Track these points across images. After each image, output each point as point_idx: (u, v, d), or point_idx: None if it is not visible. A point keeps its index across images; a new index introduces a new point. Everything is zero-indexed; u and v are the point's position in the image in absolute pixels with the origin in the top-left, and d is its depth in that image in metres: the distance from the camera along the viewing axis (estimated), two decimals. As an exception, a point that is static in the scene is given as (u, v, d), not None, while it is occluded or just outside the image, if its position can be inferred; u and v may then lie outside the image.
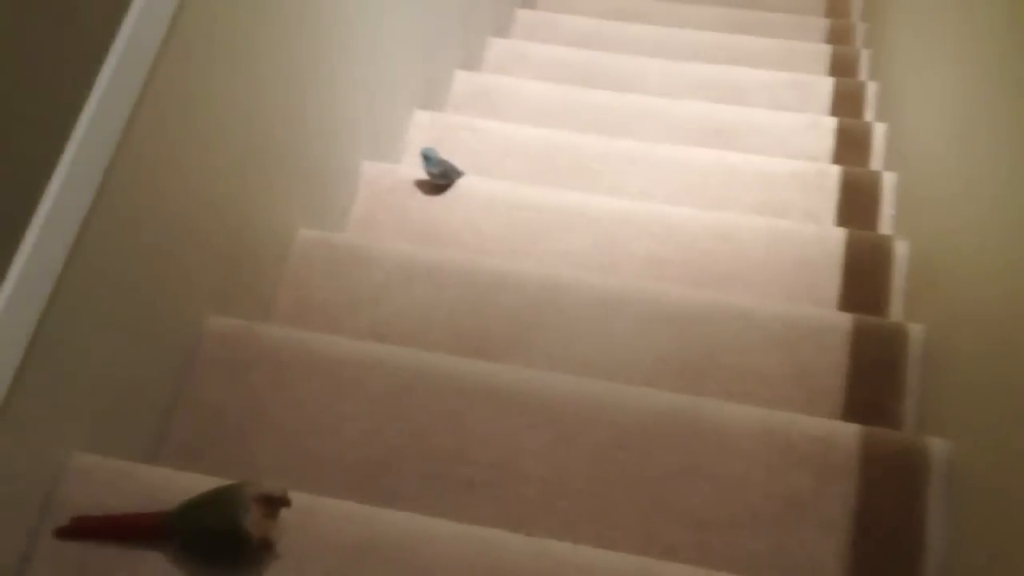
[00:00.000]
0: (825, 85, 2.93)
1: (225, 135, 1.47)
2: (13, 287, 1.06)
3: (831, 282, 1.97)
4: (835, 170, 2.32)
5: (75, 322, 1.19)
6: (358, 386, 1.50)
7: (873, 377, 1.67)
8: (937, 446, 1.42)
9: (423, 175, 2.14)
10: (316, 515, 1.23)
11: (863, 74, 3.15)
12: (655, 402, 1.48)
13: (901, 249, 1.98)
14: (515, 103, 2.73)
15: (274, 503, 1.16)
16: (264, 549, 1.19)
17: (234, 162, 1.52)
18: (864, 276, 1.96)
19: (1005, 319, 1.32)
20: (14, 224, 1.06)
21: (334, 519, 1.23)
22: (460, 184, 2.13)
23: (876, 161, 2.55)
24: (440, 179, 2.09)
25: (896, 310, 1.92)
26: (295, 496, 1.25)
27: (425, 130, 2.45)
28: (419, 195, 2.13)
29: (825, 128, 2.62)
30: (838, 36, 3.55)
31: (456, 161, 2.38)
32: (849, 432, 1.44)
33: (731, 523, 1.38)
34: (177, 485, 1.25)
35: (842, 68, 3.19)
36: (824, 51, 3.25)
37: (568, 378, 1.51)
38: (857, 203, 2.28)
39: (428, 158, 2.07)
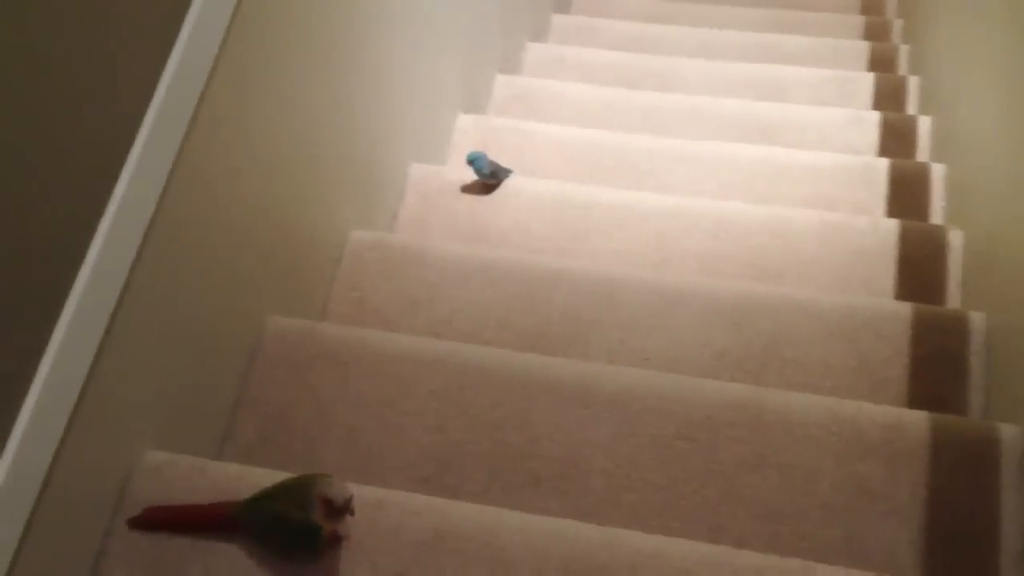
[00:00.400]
0: (866, 81, 2.91)
1: (276, 142, 1.48)
2: (83, 292, 1.07)
3: (886, 273, 1.95)
4: (883, 163, 2.31)
5: (140, 324, 1.20)
6: (420, 383, 1.50)
7: (936, 366, 1.65)
8: (1008, 432, 1.40)
9: (470, 177, 2.14)
10: (386, 509, 1.23)
11: (903, 69, 3.13)
12: (719, 393, 1.47)
13: (955, 239, 1.96)
14: (557, 105, 2.73)
15: (337, 508, 1.16)
16: (334, 542, 1.19)
17: (286, 167, 1.52)
18: (920, 266, 1.94)
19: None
20: (82, 230, 1.07)
21: (404, 512, 1.22)
22: (507, 184, 2.13)
23: (922, 154, 2.53)
24: (490, 179, 2.09)
25: (954, 300, 1.90)
26: (365, 490, 1.25)
27: (469, 133, 2.45)
28: (467, 196, 2.13)
29: (869, 123, 2.60)
30: (875, 33, 3.53)
31: (502, 163, 2.38)
32: (918, 419, 1.43)
33: (800, 513, 1.37)
34: (247, 480, 1.26)
35: (881, 64, 3.17)
36: (863, 48, 3.23)
37: (631, 371, 1.50)
38: (906, 195, 2.26)
39: (476, 160, 2.07)
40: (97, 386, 1.14)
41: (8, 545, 1.04)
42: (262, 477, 1.26)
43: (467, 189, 2.14)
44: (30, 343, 1.03)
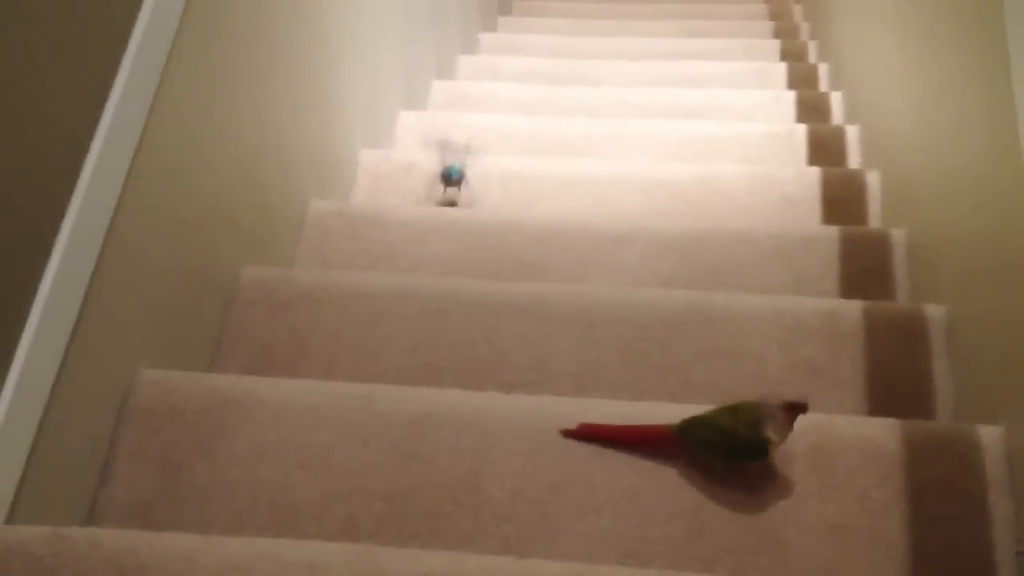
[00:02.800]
0: (780, 69, 3.11)
1: (240, 124, 1.59)
2: (73, 226, 1.16)
3: (813, 215, 2.10)
4: (802, 128, 2.48)
5: (126, 262, 1.29)
6: (392, 313, 1.60)
7: (865, 279, 1.79)
8: (934, 310, 1.54)
9: (418, 159, 2.26)
10: (375, 400, 1.32)
11: (812, 59, 3.34)
12: (670, 299, 1.59)
13: (873, 179, 2.13)
14: (492, 106, 2.87)
15: (795, 409, 1.20)
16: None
17: (248, 145, 1.63)
18: (843, 205, 2.10)
19: (973, 221, 1.45)
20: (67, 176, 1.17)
21: (393, 399, 1.32)
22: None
23: (837, 123, 2.71)
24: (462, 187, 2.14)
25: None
26: (352, 386, 1.34)
27: (411, 128, 2.57)
28: (416, 175, 2.24)
29: (786, 101, 2.79)
30: (783, 33, 3.75)
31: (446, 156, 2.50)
32: (853, 306, 1.56)
33: (752, 393, 1.49)
34: (243, 387, 1.34)
35: (792, 57, 3.38)
36: (774, 45, 3.44)
37: (589, 287, 1.62)
38: (826, 154, 2.43)
39: (451, 175, 2.09)
40: (93, 310, 1.22)
41: (20, 452, 1.11)
42: (256, 384, 1.35)
43: (415, 169, 2.25)
44: (28, 270, 1.12)
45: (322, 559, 1.01)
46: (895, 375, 1.49)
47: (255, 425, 1.30)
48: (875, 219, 2.07)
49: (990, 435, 1.23)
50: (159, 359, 1.39)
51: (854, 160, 2.40)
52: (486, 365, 1.55)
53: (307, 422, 1.30)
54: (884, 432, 1.25)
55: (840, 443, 1.24)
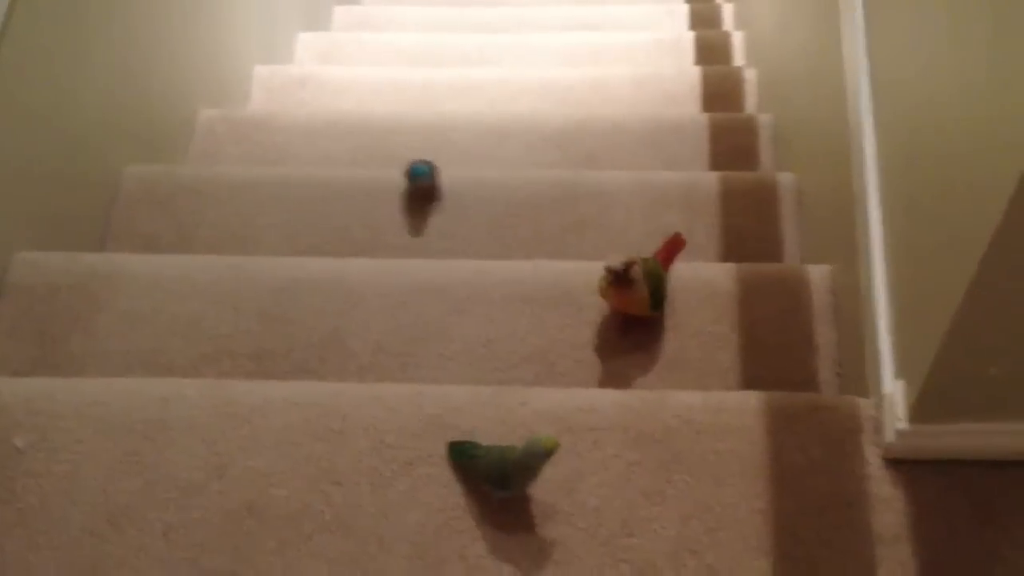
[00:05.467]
0: (679, -13, 3.17)
1: (121, 40, 1.63)
2: None
3: (694, 109, 2.18)
4: (690, 35, 2.55)
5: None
6: (274, 202, 1.65)
7: (733, 159, 1.87)
8: (784, 177, 1.63)
9: (312, 72, 2.30)
10: (244, 269, 1.38)
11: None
12: (541, 178, 1.66)
13: (751, 75, 2.21)
14: (395, 26, 2.90)
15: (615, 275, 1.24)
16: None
17: (134, 60, 1.67)
18: (722, 99, 2.17)
19: (813, 103, 1.53)
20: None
21: (261, 268, 1.38)
22: (348, 74, 2.29)
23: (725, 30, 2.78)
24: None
25: (751, 120, 2.14)
26: (222, 258, 1.40)
27: (311, 48, 2.61)
28: (310, 87, 2.28)
29: (679, 14, 2.85)
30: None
31: (345, 69, 2.54)
32: (710, 177, 1.64)
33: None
34: (114, 264, 1.39)
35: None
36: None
37: (462, 171, 1.68)
38: (712, 58, 2.50)
39: (423, 173, 1.62)
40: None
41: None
42: (129, 260, 1.40)
43: (309, 81, 2.29)
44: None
45: (176, 392, 1.07)
46: (748, 237, 1.57)
47: (128, 298, 1.35)
48: (752, 110, 2.15)
49: (817, 272, 1.32)
50: (44, 247, 1.43)
51: (740, 62, 2.47)
52: (364, 245, 1.61)
53: (179, 292, 1.36)
54: (721, 275, 1.33)
55: (680, 286, 1.32)
